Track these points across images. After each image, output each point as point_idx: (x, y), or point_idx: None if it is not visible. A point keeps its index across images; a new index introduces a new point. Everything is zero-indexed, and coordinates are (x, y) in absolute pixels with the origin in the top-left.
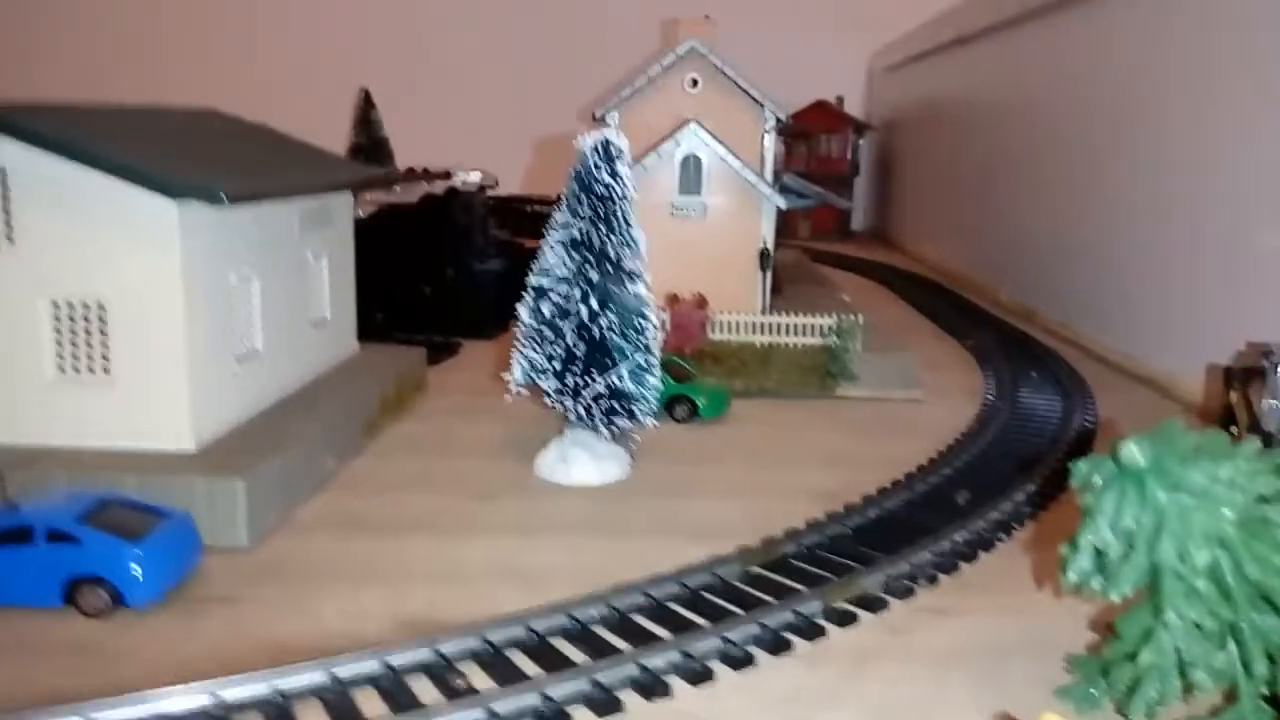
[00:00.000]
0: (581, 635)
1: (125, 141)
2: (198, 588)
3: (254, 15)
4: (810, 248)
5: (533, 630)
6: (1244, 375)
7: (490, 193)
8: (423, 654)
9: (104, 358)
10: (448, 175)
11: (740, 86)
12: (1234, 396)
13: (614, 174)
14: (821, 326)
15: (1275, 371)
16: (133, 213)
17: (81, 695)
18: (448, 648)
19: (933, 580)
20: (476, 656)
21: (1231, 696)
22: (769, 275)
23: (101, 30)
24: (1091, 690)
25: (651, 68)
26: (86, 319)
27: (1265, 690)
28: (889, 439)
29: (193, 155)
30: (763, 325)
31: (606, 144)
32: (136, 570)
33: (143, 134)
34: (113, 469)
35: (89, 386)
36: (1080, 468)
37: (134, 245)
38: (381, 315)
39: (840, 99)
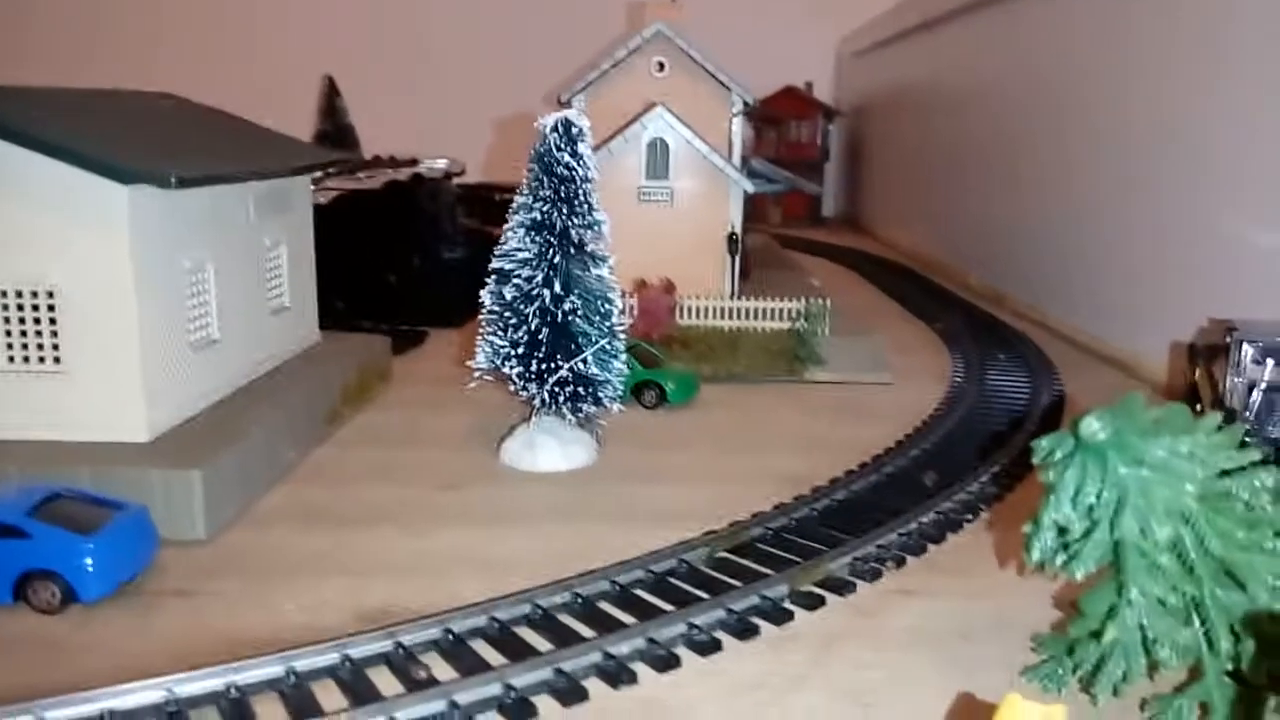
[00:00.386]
0: (545, 623)
1: (74, 124)
2: (153, 581)
3: (219, 4)
4: (781, 233)
5: (495, 619)
6: (1207, 352)
7: (458, 180)
8: (383, 645)
9: (54, 347)
10: (414, 162)
11: (707, 70)
12: (1198, 374)
13: (575, 154)
14: (789, 311)
15: (1239, 348)
16: (81, 197)
17: (34, 693)
18: (408, 638)
19: (900, 562)
20: (438, 646)
21: (1196, 672)
22: (737, 260)
23: (59, 17)
24: (1057, 669)
25: (618, 51)
26: (35, 307)
27: (1230, 665)
28: (856, 422)
29: (144, 139)
30: (731, 310)
31: (567, 124)
32: (88, 564)
33: (93, 117)
34: (66, 461)
35: (40, 377)
36: (1041, 444)
37: (83, 231)
38: (343, 304)
39: (809, 85)
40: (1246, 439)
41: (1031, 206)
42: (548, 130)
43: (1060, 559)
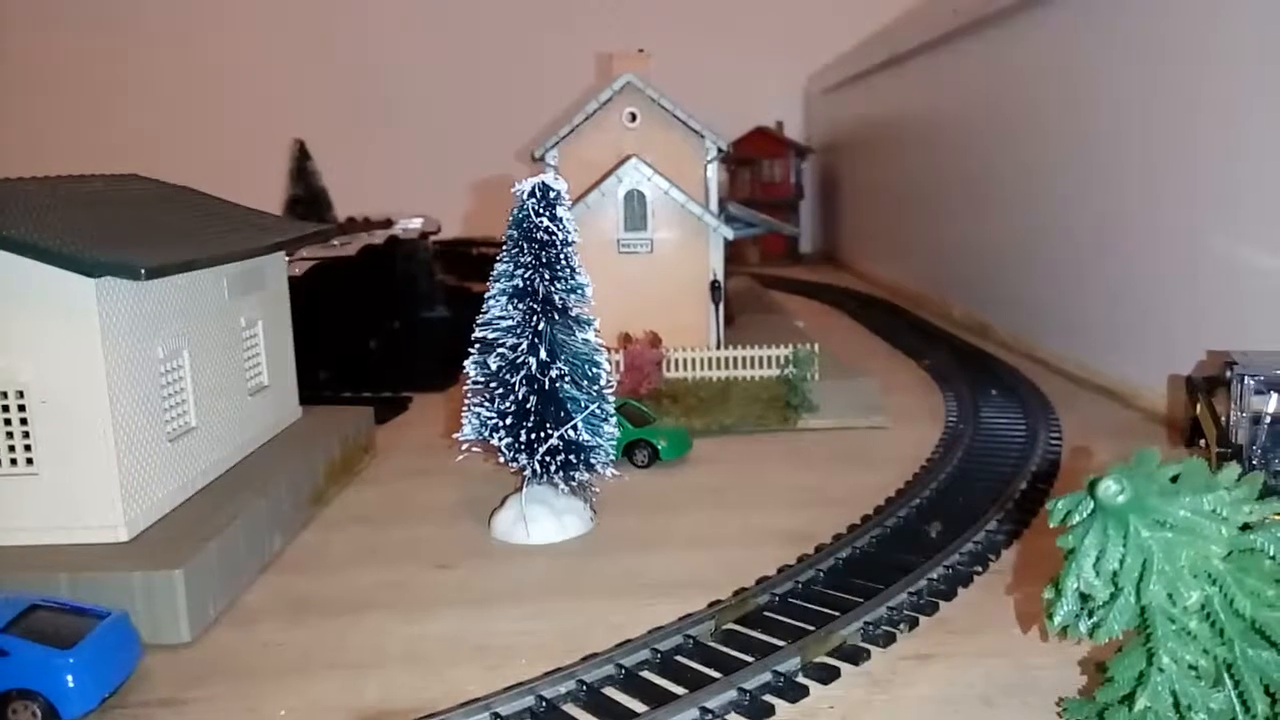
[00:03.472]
0: (550, 716)
1: (37, 215)
2: (138, 691)
3: (181, 73)
4: (760, 274)
5: (498, 715)
6: (1206, 385)
7: (433, 238)
8: None
9: (26, 448)
10: (389, 223)
11: (679, 118)
12: (1199, 408)
13: (554, 218)
14: (777, 358)
15: (1240, 382)
16: (47, 292)
17: None
18: None
19: (913, 624)
20: None
21: None
22: (721, 306)
23: (19, 95)
24: None
25: (589, 104)
26: (5, 408)
27: None
28: (854, 470)
29: (111, 226)
30: (718, 360)
31: (545, 188)
32: (69, 681)
33: (57, 207)
34: (41, 567)
35: (11, 479)
36: (1058, 506)
37: (51, 326)
38: (325, 374)
39: (780, 124)
40: (1252, 474)
41: (1016, 237)
42: (525, 195)
43: (1084, 625)
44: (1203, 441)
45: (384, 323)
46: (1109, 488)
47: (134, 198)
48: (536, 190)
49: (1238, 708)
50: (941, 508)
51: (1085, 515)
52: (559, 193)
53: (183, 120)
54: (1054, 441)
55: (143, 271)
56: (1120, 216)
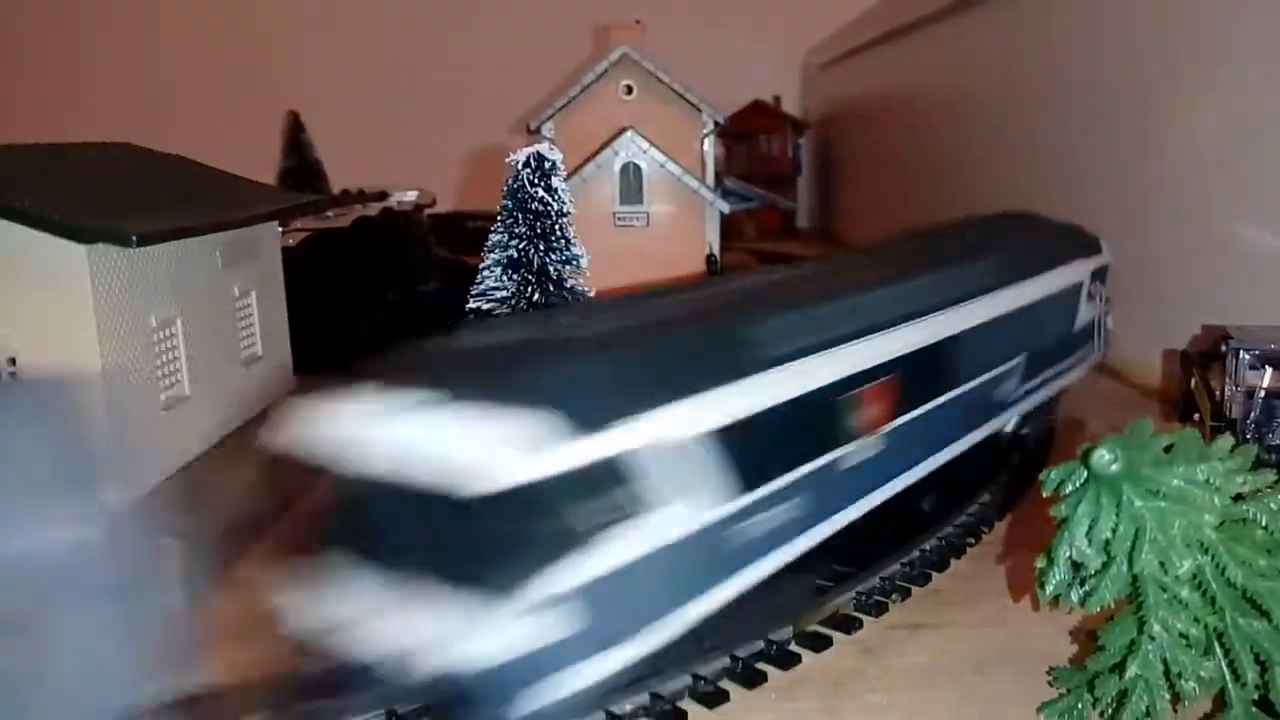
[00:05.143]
0: None
1: (27, 183)
2: None
3: (172, 42)
4: (757, 249)
5: None
6: (1202, 360)
7: (428, 211)
8: None
9: None
10: (383, 196)
11: (675, 91)
12: (1194, 382)
13: (549, 189)
14: None
15: (1235, 356)
16: (39, 260)
17: None
18: None
19: (905, 594)
20: None
21: (1222, 703)
22: None
23: (3, 59)
24: (1077, 704)
25: (584, 76)
26: None
27: (1256, 695)
28: None
29: (103, 194)
30: None
31: (539, 158)
32: None
33: (47, 174)
34: None
35: None
36: (1051, 476)
37: (42, 295)
38: (321, 344)
39: (777, 99)
40: (1244, 446)
41: (1009, 210)
42: (519, 165)
43: (1076, 594)
44: (1197, 416)
45: (377, 295)
46: (1103, 457)
47: (125, 166)
48: (531, 160)
49: (1228, 676)
50: (935, 480)
51: (1079, 485)
52: (554, 162)
53: (174, 91)
54: (1049, 416)
55: (134, 238)
56: (1117, 191)
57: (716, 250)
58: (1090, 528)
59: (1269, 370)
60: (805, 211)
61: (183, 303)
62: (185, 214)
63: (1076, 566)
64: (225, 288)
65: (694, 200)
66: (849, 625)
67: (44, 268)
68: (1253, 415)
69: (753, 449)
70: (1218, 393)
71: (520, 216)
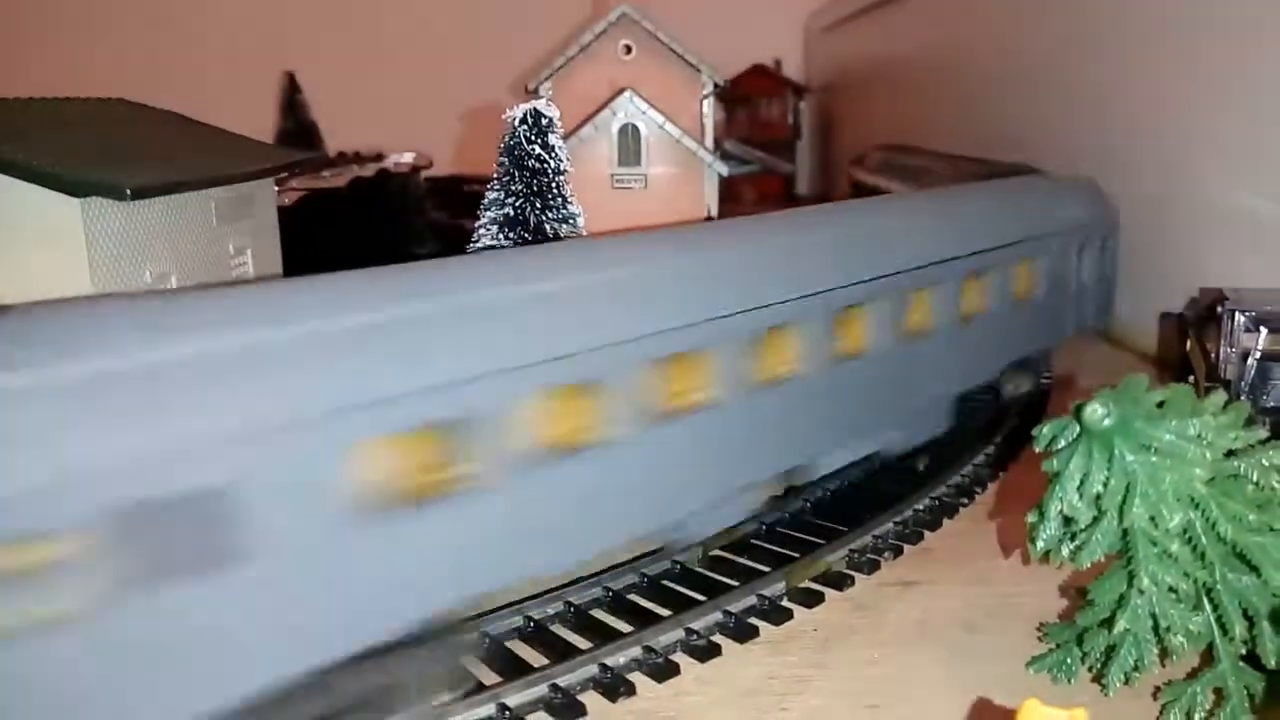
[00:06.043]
0: (537, 636)
1: (22, 137)
2: None
3: (168, 2)
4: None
5: (486, 634)
6: (1198, 323)
7: (425, 173)
8: None
9: None
10: (380, 157)
11: (675, 52)
12: (1189, 344)
13: (546, 145)
14: None
15: (1230, 318)
16: (33, 212)
17: None
18: None
19: (897, 552)
20: None
21: (1210, 658)
22: None
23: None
24: (1066, 659)
25: (583, 35)
26: None
27: (1244, 650)
28: None
29: (97, 148)
30: None
31: (536, 114)
32: None
33: (41, 128)
34: None
35: None
36: (1043, 431)
37: (37, 247)
38: None
39: (778, 62)
40: (1237, 402)
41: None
42: (516, 122)
43: (1067, 549)
44: (1192, 378)
45: (373, 256)
46: (1095, 411)
47: (120, 121)
48: (528, 116)
49: (1216, 630)
50: (930, 442)
51: (1070, 439)
52: (551, 120)
53: (170, 50)
54: (1044, 380)
55: (128, 191)
56: (1115, 155)
57: (715, 213)
58: (1081, 482)
59: (1264, 332)
60: (805, 177)
61: (178, 258)
62: (181, 169)
63: (1067, 521)
64: (220, 244)
65: (693, 162)
66: (841, 582)
67: (38, 221)
68: (1247, 377)
69: None
70: (1213, 355)
71: (517, 174)
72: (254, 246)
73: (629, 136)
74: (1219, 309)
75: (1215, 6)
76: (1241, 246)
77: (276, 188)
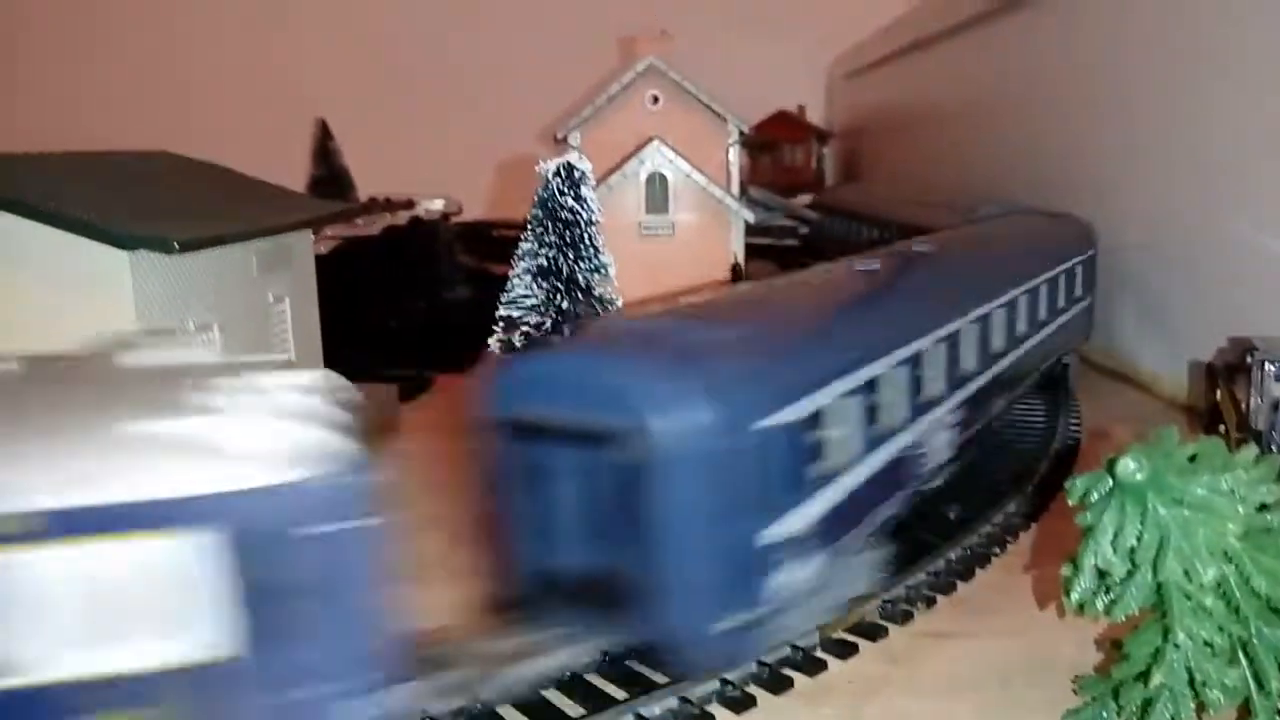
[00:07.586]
0: (574, 686)
1: (71, 191)
2: None
3: (203, 51)
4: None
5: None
6: (1228, 372)
7: (454, 219)
8: None
9: None
10: (410, 204)
11: (701, 101)
12: (1220, 394)
13: (578, 198)
14: None
15: (1261, 369)
16: (83, 265)
17: None
18: None
19: (930, 603)
20: None
21: (1247, 712)
22: None
23: (44, 68)
24: (1101, 712)
25: (611, 86)
26: None
27: None
28: None
29: (142, 201)
30: None
31: (569, 167)
32: None
33: (90, 182)
34: None
35: None
36: (1076, 485)
37: (85, 300)
38: (354, 351)
39: (802, 108)
40: (1269, 455)
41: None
42: (550, 175)
43: (1102, 602)
44: (1222, 428)
45: (406, 302)
46: (1127, 465)
47: (163, 173)
48: (561, 170)
49: (1252, 684)
50: (961, 491)
51: (1104, 493)
52: (584, 172)
53: (205, 98)
54: (1073, 427)
55: (175, 245)
56: (1145, 203)
57: (742, 260)
58: (1115, 536)
59: None
60: None
61: (220, 308)
62: (223, 222)
63: (1102, 575)
64: (261, 294)
65: (719, 210)
66: (875, 633)
67: (87, 273)
68: (1278, 427)
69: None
70: (1243, 405)
71: (550, 225)
72: (292, 295)
73: (656, 185)
74: (1249, 358)
75: (1248, 51)
76: (1272, 294)
77: (314, 237)
